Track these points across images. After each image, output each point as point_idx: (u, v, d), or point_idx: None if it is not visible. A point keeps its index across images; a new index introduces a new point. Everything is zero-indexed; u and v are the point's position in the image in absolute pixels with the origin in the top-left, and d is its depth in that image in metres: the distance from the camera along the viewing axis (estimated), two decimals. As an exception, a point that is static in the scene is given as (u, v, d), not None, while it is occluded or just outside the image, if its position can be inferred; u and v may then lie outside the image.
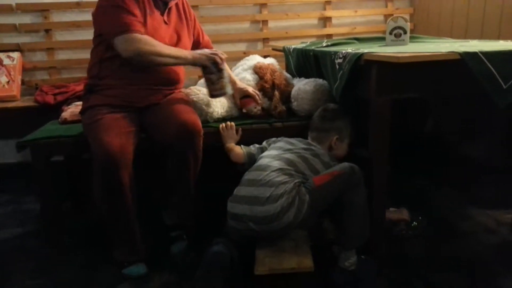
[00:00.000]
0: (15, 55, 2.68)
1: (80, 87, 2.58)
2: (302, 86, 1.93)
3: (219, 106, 1.91)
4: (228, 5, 2.96)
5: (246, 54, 2.80)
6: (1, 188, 2.65)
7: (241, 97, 1.96)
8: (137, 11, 1.69)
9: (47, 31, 2.78)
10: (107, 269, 1.72)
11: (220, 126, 1.85)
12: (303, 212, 1.49)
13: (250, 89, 1.95)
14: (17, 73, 2.65)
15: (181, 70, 1.93)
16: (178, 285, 1.61)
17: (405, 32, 1.83)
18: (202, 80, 2.10)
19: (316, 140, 1.74)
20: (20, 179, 2.60)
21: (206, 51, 1.80)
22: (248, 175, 1.61)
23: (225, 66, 1.84)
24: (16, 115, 2.52)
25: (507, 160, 2.07)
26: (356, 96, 1.69)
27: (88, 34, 2.77)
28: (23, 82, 2.75)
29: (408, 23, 1.86)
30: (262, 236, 1.55)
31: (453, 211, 2.09)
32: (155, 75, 1.78)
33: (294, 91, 1.95)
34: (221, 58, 1.78)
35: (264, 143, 1.79)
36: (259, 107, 1.95)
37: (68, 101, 2.45)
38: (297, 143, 1.71)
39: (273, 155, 1.65)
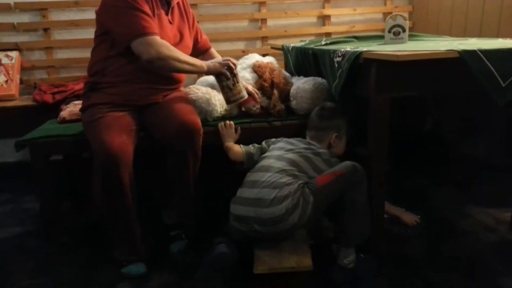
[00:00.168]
0: (14, 54, 2.68)
1: (78, 86, 2.58)
2: (301, 84, 1.93)
3: (218, 105, 1.91)
4: (227, 3, 2.96)
5: (245, 52, 2.79)
6: (0, 188, 2.65)
7: None
8: (150, 12, 1.69)
9: (45, 30, 2.78)
10: (107, 269, 1.72)
11: (219, 125, 1.85)
12: (308, 213, 1.49)
13: (250, 88, 1.95)
14: (15, 72, 2.65)
15: None
16: (178, 285, 1.61)
17: (404, 30, 1.83)
18: (201, 79, 2.10)
19: (315, 139, 1.75)
20: (19, 178, 2.60)
21: (217, 59, 1.84)
22: (251, 177, 1.60)
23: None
24: (14, 114, 2.52)
25: (506, 158, 2.08)
26: (355, 95, 1.69)
27: (86, 33, 2.79)
28: (21, 81, 2.75)
29: (407, 21, 1.85)
30: (266, 237, 1.55)
31: (453, 209, 2.09)
32: (158, 74, 1.78)
33: (293, 90, 1.95)
34: (234, 63, 1.81)
35: (263, 143, 1.79)
36: (258, 106, 1.95)
37: (66, 100, 2.44)
38: (298, 143, 1.71)
39: (275, 155, 1.64)
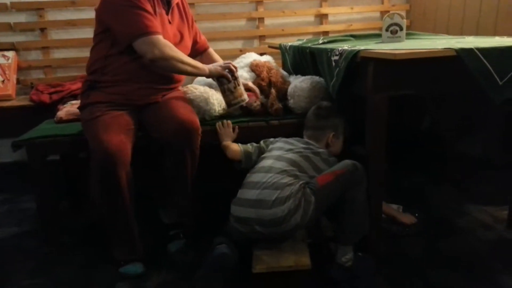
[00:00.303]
0: (10, 54, 2.67)
1: (75, 86, 2.57)
2: (298, 83, 1.92)
3: (216, 104, 1.91)
4: (224, 2, 2.95)
5: (242, 51, 2.79)
6: (-2, 188, 2.64)
7: None
8: (152, 11, 1.69)
9: (42, 30, 2.77)
10: (106, 269, 1.71)
11: (217, 124, 1.85)
12: (310, 213, 1.49)
13: (250, 84, 1.96)
14: (12, 72, 2.64)
15: None
16: (176, 284, 1.61)
17: (401, 29, 1.83)
18: (199, 78, 2.10)
19: (313, 138, 1.75)
20: (16, 178, 2.59)
21: (218, 63, 1.86)
22: (251, 177, 1.60)
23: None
24: (11, 114, 2.51)
25: (504, 156, 2.08)
26: (353, 94, 1.69)
27: (83, 33, 2.79)
28: (18, 81, 2.74)
29: (405, 20, 1.85)
30: (267, 238, 1.54)
31: (451, 208, 2.09)
32: (158, 73, 1.78)
33: (290, 89, 1.95)
34: (234, 67, 1.83)
35: (261, 142, 1.79)
36: (259, 102, 1.94)
37: (63, 100, 2.44)
38: (296, 143, 1.71)
39: (275, 156, 1.64)
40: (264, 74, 2.00)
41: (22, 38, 2.76)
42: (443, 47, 1.45)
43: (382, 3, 3.17)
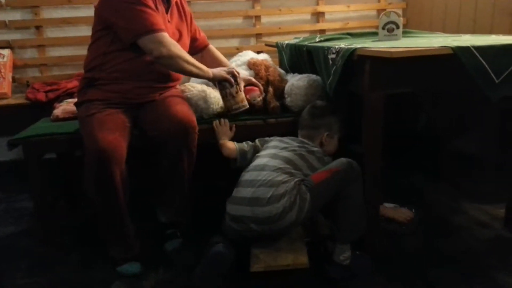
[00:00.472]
0: (6, 52, 2.65)
1: (71, 84, 2.56)
2: (295, 82, 1.92)
3: (214, 102, 1.91)
4: (220, 1, 2.94)
5: (239, 50, 2.79)
6: (-6, 187, 2.63)
7: (245, 85, 1.97)
8: (155, 8, 1.69)
9: (37, 28, 2.75)
10: (102, 268, 1.71)
11: (214, 122, 1.84)
12: (305, 210, 1.49)
13: (253, 79, 1.97)
14: (7, 70, 2.63)
15: None
16: (173, 283, 1.61)
17: (397, 27, 1.83)
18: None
19: (307, 137, 1.75)
20: (13, 177, 2.59)
21: (222, 68, 1.87)
22: (246, 176, 1.60)
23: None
24: (7, 113, 2.49)
25: (500, 154, 2.09)
26: (350, 92, 1.69)
27: (79, 31, 2.78)
28: (14, 80, 2.72)
29: (401, 18, 1.86)
30: (263, 236, 1.54)
31: (447, 206, 2.10)
32: (157, 72, 1.77)
33: (287, 87, 1.95)
34: (237, 72, 1.85)
35: (256, 141, 1.79)
36: (262, 97, 1.95)
37: (60, 98, 2.42)
38: (291, 142, 1.71)
39: (270, 154, 1.64)
40: (262, 72, 2.00)
41: (18, 36, 2.75)
42: (440, 45, 1.45)
43: (379, 1, 3.16)
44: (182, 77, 1.94)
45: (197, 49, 2.06)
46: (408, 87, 1.60)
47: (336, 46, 1.64)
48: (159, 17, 1.69)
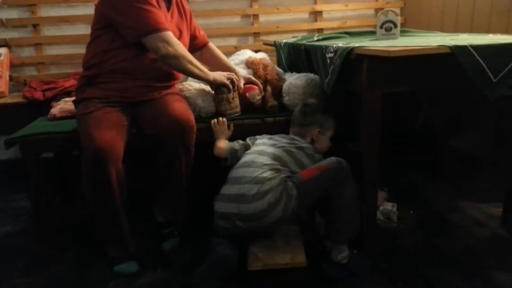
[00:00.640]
0: (3, 50, 2.64)
1: (69, 83, 2.55)
2: (293, 80, 1.92)
3: (212, 101, 1.91)
4: (218, -1, 2.95)
5: (237, 48, 2.79)
6: (-10, 186, 2.62)
7: (245, 83, 1.97)
8: (157, 6, 1.69)
9: (34, 26, 2.74)
10: (99, 267, 1.71)
11: (212, 121, 1.84)
12: (291, 207, 1.49)
13: (253, 78, 1.98)
14: (5, 69, 2.62)
15: None
16: (170, 282, 1.61)
17: (395, 26, 1.83)
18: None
19: (298, 134, 1.75)
20: (10, 176, 2.58)
21: (221, 72, 1.88)
22: (233, 173, 1.60)
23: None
24: (4, 111, 2.48)
25: (497, 153, 2.09)
26: (348, 91, 1.69)
27: (76, 29, 2.77)
28: (11, 78, 2.71)
29: (399, 17, 1.86)
30: (250, 234, 1.54)
31: (445, 204, 2.10)
32: (157, 71, 1.77)
33: (285, 86, 1.95)
34: (236, 79, 1.88)
35: (247, 139, 1.78)
36: (261, 96, 1.95)
37: (57, 97, 2.42)
38: (281, 139, 1.72)
39: (258, 151, 1.65)
40: (260, 71, 2.00)
41: (15, 34, 2.74)
42: (437, 44, 1.45)
43: (377, 0, 3.17)
44: (181, 76, 1.94)
45: (197, 47, 2.05)
46: (406, 86, 1.60)
47: (334, 45, 1.64)
48: (162, 16, 1.69)
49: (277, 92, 1.98)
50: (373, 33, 2.09)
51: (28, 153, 1.79)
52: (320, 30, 3.08)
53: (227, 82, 1.84)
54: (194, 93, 1.88)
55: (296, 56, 2.12)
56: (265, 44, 2.81)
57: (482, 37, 1.76)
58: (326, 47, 1.70)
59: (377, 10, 3.15)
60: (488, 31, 2.29)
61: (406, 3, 3.16)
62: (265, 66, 2.04)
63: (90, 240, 1.86)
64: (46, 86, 2.56)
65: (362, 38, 2.05)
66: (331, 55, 1.65)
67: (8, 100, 2.54)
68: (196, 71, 1.76)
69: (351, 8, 3.12)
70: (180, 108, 1.73)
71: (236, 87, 1.88)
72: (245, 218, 1.48)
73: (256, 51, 2.40)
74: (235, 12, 2.99)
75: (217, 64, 2.04)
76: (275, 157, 1.59)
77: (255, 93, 1.93)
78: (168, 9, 1.81)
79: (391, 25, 1.84)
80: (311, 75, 1.93)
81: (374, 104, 1.53)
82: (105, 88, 1.73)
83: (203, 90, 1.90)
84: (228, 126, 1.86)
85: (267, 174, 1.51)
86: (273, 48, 2.50)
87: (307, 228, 1.72)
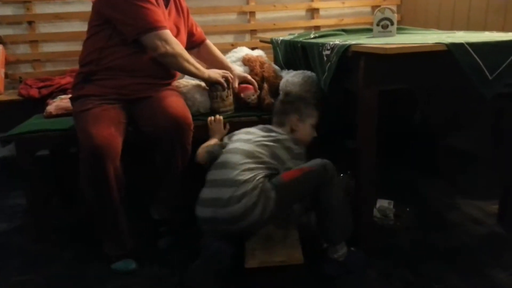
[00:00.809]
0: (-2, 47, 2.63)
1: (65, 81, 2.54)
2: (290, 78, 1.92)
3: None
4: (215, -4, 2.94)
5: (233, 46, 2.78)
6: (-14, 184, 2.61)
7: (240, 82, 1.97)
8: (156, 4, 1.69)
9: (30, 23, 2.73)
10: (96, 265, 1.70)
11: (208, 119, 1.84)
12: (270, 209, 1.46)
13: (249, 77, 1.97)
14: (0, 66, 2.60)
15: None
16: (167, 280, 1.61)
17: (392, 24, 1.83)
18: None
19: (278, 124, 1.71)
20: (5, 174, 2.56)
21: (216, 70, 1.89)
22: (209, 175, 1.57)
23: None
24: (-1, 109, 2.47)
25: (493, 150, 2.10)
26: (344, 88, 1.69)
27: (72, 26, 2.75)
28: (6, 76, 2.69)
29: (395, 14, 1.86)
30: (235, 234, 1.52)
31: (441, 202, 2.11)
32: (155, 68, 1.76)
33: (282, 83, 1.95)
34: (231, 77, 1.89)
35: (225, 138, 1.73)
36: (256, 95, 1.94)
37: (53, 95, 2.40)
38: (257, 131, 1.67)
39: (232, 149, 1.60)
40: (257, 68, 2.00)
41: (10, 31, 2.72)
42: (434, 41, 1.45)
43: (373, -3, 3.17)
44: (179, 74, 1.93)
45: (194, 44, 2.05)
46: (403, 84, 1.60)
47: (331, 43, 1.64)
48: (161, 14, 1.69)
49: (274, 90, 1.97)
50: (369, 30, 2.09)
51: (23, 151, 1.78)
52: (317, 28, 3.08)
53: (222, 80, 1.84)
54: (192, 88, 1.88)
55: (293, 54, 2.12)
56: (261, 41, 2.80)
57: (478, 35, 1.76)
58: (323, 44, 1.70)
59: (373, 7, 3.15)
60: (484, 28, 2.30)
61: (403, 0, 3.16)
62: (261, 64, 2.04)
63: (87, 238, 1.85)
64: (41, 84, 2.55)
65: (358, 35, 2.05)
66: (327, 52, 1.65)
67: (3, 97, 2.52)
68: (193, 69, 1.77)
69: (348, 5, 3.12)
70: (177, 105, 1.72)
71: (230, 85, 1.88)
72: (224, 222, 1.46)
73: (253, 49, 2.40)
74: (232, 9, 2.98)
75: (213, 62, 2.03)
76: (249, 155, 1.53)
77: (250, 93, 1.93)
78: (166, 6, 1.81)
79: (388, 22, 1.84)
80: (308, 73, 1.93)
81: (371, 102, 1.53)
82: (103, 85, 1.72)
83: (200, 86, 1.91)
84: (224, 125, 1.85)
85: (242, 176, 1.46)
86: (270, 45, 2.50)
87: (303, 226, 1.72)
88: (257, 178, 1.48)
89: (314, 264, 1.58)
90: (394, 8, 3.06)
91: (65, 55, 2.77)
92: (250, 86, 1.95)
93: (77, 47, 1.83)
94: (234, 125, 1.87)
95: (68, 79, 2.54)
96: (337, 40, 1.70)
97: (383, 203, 1.97)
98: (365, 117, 1.55)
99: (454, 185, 2.27)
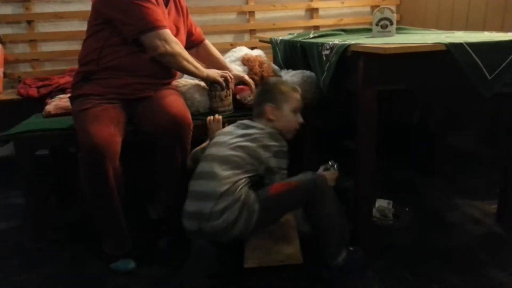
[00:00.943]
0: (-3, 47, 2.63)
1: (64, 80, 2.54)
2: (289, 78, 1.92)
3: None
4: (214, -4, 2.94)
5: (233, 45, 2.78)
6: (-15, 183, 2.60)
7: (236, 83, 1.96)
8: (156, 4, 1.69)
9: (29, 22, 2.73)
10: (95, 264, 1.70)
11: (207, 119, 1.83)
12: (253, 222, 1.43)
13: (247, 77, 1.96)
14: (-1, 65, 2.60)
15: None
16: (166, 279, 1.60)
17: (391, 23, 1.84)
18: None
19: (256, 116, 1.67)
20: (4, 173, 2.56)
21: (216, 70, 1.88)
22: (190, 186, 1.55)
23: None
24: (-2, 108, 2.47)
25: (492, 150, 2.10)
26: (344, 88, 1.69)
27: (71, 26, 2.75)
28: (5, 75, 2.69)
29: (395, 14, 1.86)
30: (225, 242, 1.52)
31: (440, 202, 2.11)
32: (154, 68, 1.76)
33: (281, 83, 1.94)
34: (230, 77, 1.87)
35: (207, 141, 1.72)
36: (252, 96, 1.94)
37: (52, 94, 2.40)
38: (234, 131, 1.62)
39: (206, 156, 1.57)
40: (256, 68, 2.00)
41: (9, 30, 2.72)
42: (433, 41, 1.46)
43: (373, -3, 3.17)
44: (178, 73, 1.93)
45: (193, 43, 2.05)
46: (402, 84, 1.60)
47: (330, 42, 1.64)
48: (161, 13, 1.69)
49: (273, 89, 1.97)
50: (369, 30, 2.09)
51: (22, 150, 1.78)
52: (316, 27, 3.08)
53: (220, 80, 1.84)
54: (191, 88, 1.88)
55: (292, 53, 2.12)
56: (261, 41, 2.80)
57: (477, 35, 1.76)
58: (322, 44, 1.70)
59: (373, 7, 3.15)
60: (483, 28, 2.30)
61: (402, 0, 3.16)
62: (261, 63, 2.04)
63: (86, 237, 1.85)
64: (40, 83, 2.55)
65: (358, 35, 2.05)
66: (327, 52, 1.65)
67: (2, 97, 2.52)
68: (192, 68, 1.77)
69: (347, 5, 3.12)
70: (177, 105, 1.72)
71: (229, 86, 1.88)
72: (210, 234, 1.46)
73: (252, 48, 2.39)
74: (231, 9, 2.98)
75: (212, 62, 2.03)
76: (225, 161, 1.49)
77: (246, 95, 1.93)
78: (166, 5, 1.81)
79: (387, 22, 1.84)
80: (307, 72, 1.93)
81: (370, 101, 1.53)
82: (102, 84, 1.72)
83: (199, 85, 1.91)
84: (224, 124, 1.85)
85: (221, 188, 1.42)
86: (269, 45, 2.50)
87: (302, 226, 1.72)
88: (239, 188, 1.43)
89: (313, 264, 1.58)
90: (394, 8, 3.06)
91: (64, 55, 2.77)
92: (246, 88, 1.94)
93: (77, 46, 1.83)
94: (233, 125, 1.87)
95: (67, 79, 2.54)
96: (336, 40, 1.70)
97: (382, 203, 1.97)
98: (364, 116, 1.55)
99: (453, 185, 2.27)
